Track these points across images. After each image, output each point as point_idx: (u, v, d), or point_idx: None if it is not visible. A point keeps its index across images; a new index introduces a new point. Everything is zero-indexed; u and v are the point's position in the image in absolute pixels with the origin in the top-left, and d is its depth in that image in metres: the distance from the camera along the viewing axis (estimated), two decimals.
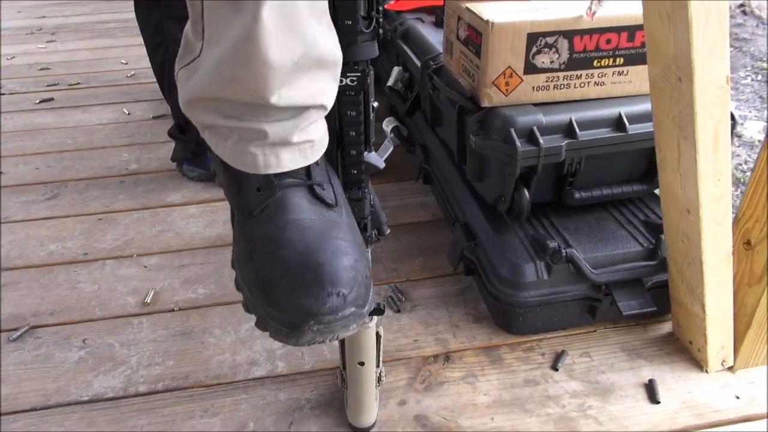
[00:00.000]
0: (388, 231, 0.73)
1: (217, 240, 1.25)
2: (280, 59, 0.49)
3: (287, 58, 0.50)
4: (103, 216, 1.35)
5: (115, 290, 1.10)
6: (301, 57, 0.51)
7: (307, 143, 0.56)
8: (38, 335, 1.00)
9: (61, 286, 1.12)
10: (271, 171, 0.55)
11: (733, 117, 0.90)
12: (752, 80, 2.95)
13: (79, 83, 2.22)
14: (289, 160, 0.55)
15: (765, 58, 3.15)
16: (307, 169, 0.57)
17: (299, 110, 0.54)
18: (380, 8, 0.60)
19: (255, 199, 0.56)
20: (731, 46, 3.37)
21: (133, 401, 0.87)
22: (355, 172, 0.66)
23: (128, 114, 1.92)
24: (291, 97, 0.52)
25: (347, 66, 0.60)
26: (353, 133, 0.64)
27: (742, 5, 3.84)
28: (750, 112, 2.62)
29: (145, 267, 1.17)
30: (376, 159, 0.69)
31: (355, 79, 0.61)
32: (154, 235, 1.27)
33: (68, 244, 1.25)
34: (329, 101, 0.57)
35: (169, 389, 0.89)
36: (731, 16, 3.74)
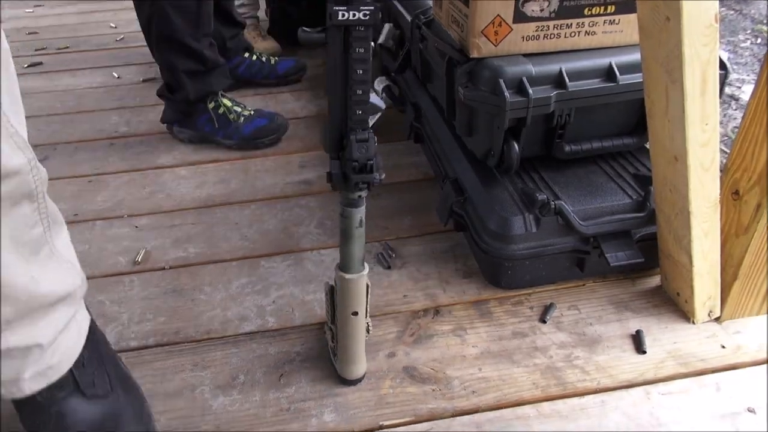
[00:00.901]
0: (384, 175, 0.72)
1: (207, 200, 1.24)
2: None
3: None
4: (93, 178, 1.34)
5: (106, 250, 1.10)
6: (14, 313, 0.58)
7: (47, 370, 0.63)
8: None
9: None
10: (15, 397, 0.62)
11: (724, 66, 0.89)
12: (751, 43, 2.91)
13: (67, 47, 2.19)
14: (28, 388, 0.62)
15: (765, 21, 3.10)
16: (73, 377, 0.65)
17: (26, 350, 0.60)
18: None
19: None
20: (731, 9, 3.31)
21: (125, 356, 0.87)
22: (361, 112, 0.65)
23: (118, 77, 1.90)
24: (13, 341, 0.59)
25: (358, 0, 0.58)
26: (360, 71, 0.63)
27: None
28: (748, 75, 2.59)
29: (136, 227, 1.17)
30: (377, 99, 0.68)
31: (368, 12, 0.59)
32: (144, 197, 1.27)
33: (59, 206, 1.22)
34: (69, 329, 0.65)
35: (159, 344, 0.90)
36: None
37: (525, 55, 0.90)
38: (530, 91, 0.85)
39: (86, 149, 1.47)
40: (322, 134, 0.69)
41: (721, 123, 2.26)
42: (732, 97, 2.47)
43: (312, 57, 1.91)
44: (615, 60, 0.89)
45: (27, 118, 0.77)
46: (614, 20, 0.90)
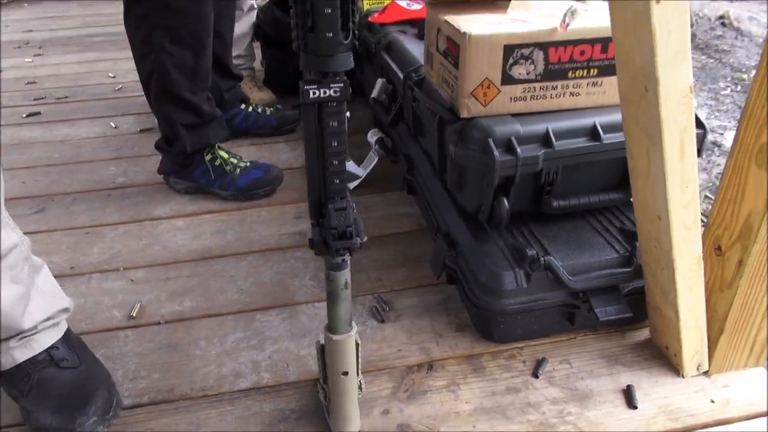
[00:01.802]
0: (365, 239, 0.74)
1: (204, 252, 1.26)
2: None
3: None
4: (90, 230, 1.36)
5: (102, 304, 1.11)
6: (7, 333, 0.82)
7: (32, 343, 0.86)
8: None
9: None
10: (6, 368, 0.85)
11: (703, 126, 0.93)
12: (732, 91, 3.00)
13: (66, 97, 2.23)
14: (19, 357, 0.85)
15: (744, 69, 3.21)
16: (50, 356, 0.86)
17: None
18: (355, 20, 0.62)
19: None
20: (711, 57, 3.43)
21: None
22: (338, 181, 0.68)
23: (115, 127, 1.93)
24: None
25: (328, 77, 0.62)
26: (335, 143, 0.66)
27: (721, 17, 3.92)
28: (730, 122, 2.67)
29: (132, 280, 1.18)
30: (355, 167, 0.71)
31: (338, 89, 0.62)
32: (140, 249, 1.28)
33: (55, 258, 1.25)
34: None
35: (154, 402, 0.90)
36: (711, 29, 3.82)
37: (513, 115, 0.94)
38: (519, 150, 0.89)
39: (83, 200, 1.49)
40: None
41: (705, 170, 2.32)
42: (715, 143, 2.54)
43: None
44: (599, 120, 0.93)
45: (25, 168, 0.88)
46: (597, 82, 0.95)
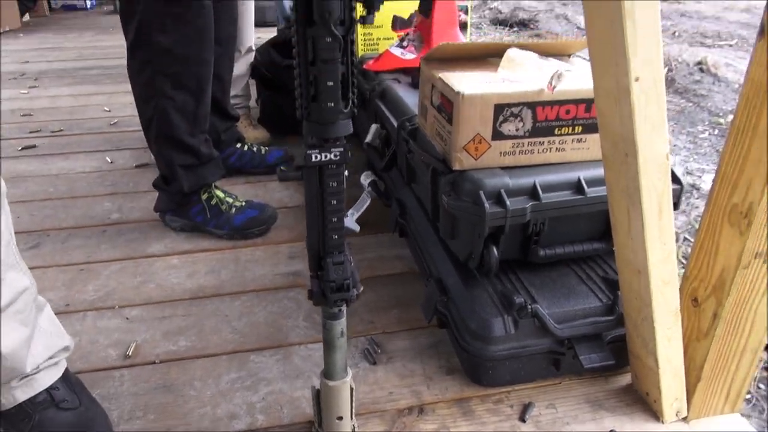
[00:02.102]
0: (361, 289, 0.78)
1: (198, 291, 1.28)
2: None
3: None
4: (84, 266, 1.38)
5: (97, 342, 1.12)
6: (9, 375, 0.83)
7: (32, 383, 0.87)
8: None
9: None
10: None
11: (679, 181, 0.99)
12: (710, 134, 3.12)
13: (62, 130, 2.26)
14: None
15: (721, 114, 3.34)
16: (50, 396, 0.87)
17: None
18: (354, 91, 0.67)
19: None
20: (690, 101, 3.56)
21: None
22: (336, 237, 0.72)
23: (111, 162, 1.96)
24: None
25: (329, 142, 0.67)
26: (334, 202, 0.70)
27: (699, 63, 4.08)
28: (708, 165, 2.77)
29: (127, 319, 1.20)
30: (352, 223, 0.76)
31: (338, 153, 0.67)
32: (135, 286, 1.30)
33: (49, 296, 1.26)
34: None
35: None
36: (690, 73, 3.97)
37: (502, 168, 0.99)
38: (508, 202, 0.94)
39: (78, 236, 1.51)
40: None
41: (684, 212, 2.39)
42: (693, 186, 2.62)
43: (300, 146, 2.00)
44: (583, 174, 0.98)
45: (20, 202, 0.91)
46: (581, 139, 1.00)
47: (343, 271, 0.72)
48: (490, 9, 6.20)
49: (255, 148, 1.83)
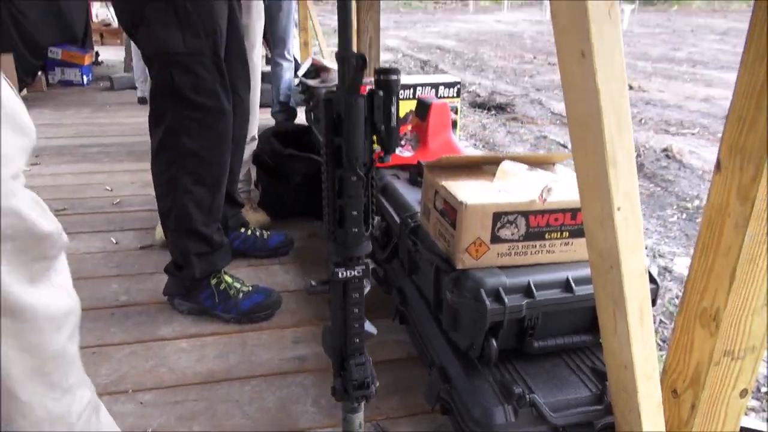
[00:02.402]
0: (377, 384, 0.87)
1: (209, 376, 1.34)
2: None
3: None
4: (96, 349, 1.43)
5: None
6: None
7: None
8: None
9: None
10: None
11: (656, 281, 1.12)
12: (678, 218, 3.32)
13: (65, 209, 2.34)
14: None
15: (688, 199, 3.57)
16: None
17: None
18: (374, 217, 0.80)
19: None
20: (658, 185, 3.80)
21: None
22: (358, 340, 0.82)
23: (116, 243, 2.04)
24: None
25: (353, 261, 0.78)
26: (357, 310, 0.81)
27: (665, 149, 4.37)
28: (678, 248, 2.94)
29: (141, 403, 1.25)
30: (371, 327, 0.86)
31: (361, 270, 0.78)
32: (147, 370, 1.36)
33: None
34: None
35: None
36: (657, 159, 4.24)
37: (500, 268, 1.11)
38: (506, 300, 1.05)
39: (88, 318, 1.56)
40: (323, 339, 0.86)
41: (659, 296, 2.53)
42: (666, 269, 2.78)
43: (300, 229, 2.12)
44: (571, 274, 1.10)
45: None
46: (568, 242, 1.13)
47: (364, 371, 0.82)
48: (469, 92, 6.58)
49: (258, 233, 1.94)
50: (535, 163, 1.25)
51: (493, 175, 1.20)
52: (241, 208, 1.90)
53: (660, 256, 2.87)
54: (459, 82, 1.92)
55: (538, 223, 1.11)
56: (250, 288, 1.59)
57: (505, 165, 1.18)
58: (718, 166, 0.86)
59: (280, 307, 1.61)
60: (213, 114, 1.37)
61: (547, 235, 1.12)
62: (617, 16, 0.71)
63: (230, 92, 1.42)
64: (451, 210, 1.11)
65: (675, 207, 3.51)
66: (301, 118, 3.32)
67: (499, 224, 1.09)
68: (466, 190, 1.11)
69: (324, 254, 1.85)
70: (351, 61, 0.71)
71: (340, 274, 0.78)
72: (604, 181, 0.77)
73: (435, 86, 1.89)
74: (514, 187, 1.14)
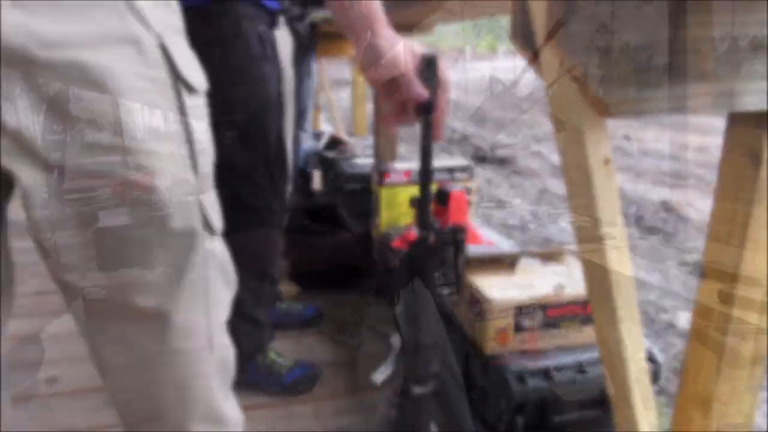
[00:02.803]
0: None
1: None
2: None
3: None
4: None
5: None
6: None
7: None
8: None
9: None
10: None
11: (655, 360, 1.30)
12: (679, 272, 3.49)
13: None
14: None
15: (688, 252, 3.74)
16: None
17: None
18: None
19: None
20: (658, 238, 3.98)
21: None
22: None
23: None
24: None
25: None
26: None
27: (664, 202, 4.57)
28: (680, 303, 3.10)
29: None
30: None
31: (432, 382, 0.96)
32: None
33: None
34: None
35: None
36: (656, 212, 4.44)
37: (522, 353, 1.29)
38: (529, 383, 1.22)
39: None
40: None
41: (663, 350, 2.68)
42: (669, 324, 2.93)
43: (326, 300, 2.29)
44: (583, 358, 1.28)
45: None
46: (580, 329, 1.31)
47: None
48: (472, 146, 6.85)
49: (293, 306, 2.11)
50: (548, 257, 1.44)
51: (512, 267, 1.39)
52: (277, 284, 2.08)
53: (663, 311, 3.03)
54: (470, 166, 2.13)
55: (554, 314, 1.29)
56: (293, 363, 1.76)
57: (523, 263, 1.38)
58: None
59: (318, 379, 1.77)
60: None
61: (561, 324, 1.30)
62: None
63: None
64: (478, 303, 1.30)
65: (675, 260, 3.67)
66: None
67: (520, 316, 1.27)
68: (491, 286, 1.30)
69: (350, 320, 2.03)
70: None
71: (415, 390, 0.95)
72: (610, 301, 0.96)
73: (451, 170, 2.10)
74: (532, 282, 1.33)
